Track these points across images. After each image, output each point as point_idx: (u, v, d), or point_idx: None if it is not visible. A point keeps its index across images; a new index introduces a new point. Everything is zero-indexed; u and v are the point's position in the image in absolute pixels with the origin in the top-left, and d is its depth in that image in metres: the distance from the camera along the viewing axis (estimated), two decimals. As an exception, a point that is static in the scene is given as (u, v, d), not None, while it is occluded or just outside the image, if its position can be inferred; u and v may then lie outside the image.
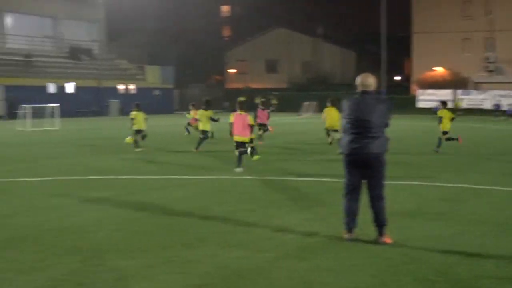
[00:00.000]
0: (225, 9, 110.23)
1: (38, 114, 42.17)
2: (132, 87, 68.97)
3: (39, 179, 15.49)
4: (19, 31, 67.03)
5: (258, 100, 29.40)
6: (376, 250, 8.19)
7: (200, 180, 15.27)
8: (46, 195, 12.87)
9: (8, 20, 67.40)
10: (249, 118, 17.61)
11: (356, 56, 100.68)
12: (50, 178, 15.60)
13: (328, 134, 24.97)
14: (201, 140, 23.35)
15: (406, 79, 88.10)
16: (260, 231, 9.37)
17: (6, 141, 29.13)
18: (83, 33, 73.39)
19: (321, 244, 8.54)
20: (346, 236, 8.79)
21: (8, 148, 24.89)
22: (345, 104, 8.84)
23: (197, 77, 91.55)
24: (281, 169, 17.67)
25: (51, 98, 55.72)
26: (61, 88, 61.85)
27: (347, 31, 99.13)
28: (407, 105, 68.83)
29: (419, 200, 12.29)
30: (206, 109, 23.68)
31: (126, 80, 69.24)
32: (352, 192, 8.75)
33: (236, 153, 17.52)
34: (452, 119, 22.84)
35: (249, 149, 17.57)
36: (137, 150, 23.55)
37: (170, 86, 74.58)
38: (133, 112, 24.55)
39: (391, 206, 10.59)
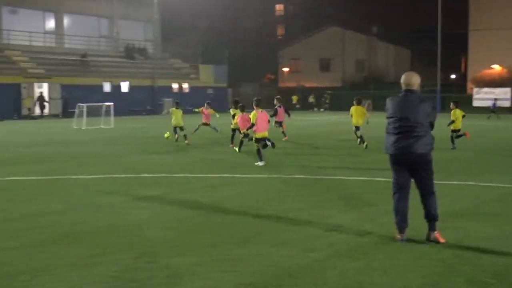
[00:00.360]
0: (279, 8, 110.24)
1: (93, 112, 42.80)
2: (185, 86, 69.08)
3: (92, 176, 15.71)
4: (76, 31, 68.19)
5: (275, 100, 29.55)
6: (428, 251, 8.06)
7: (251, 179, 15.27)
8: (99, 193, 13.02)
9: (66, 20, 68.63)
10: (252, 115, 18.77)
11: (411, 54, 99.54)
12: (103, 176, 15.79)
13: (356, 134, 25.47)
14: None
15: (462, 77, 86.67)
16: (311, 230, 9.32)
17: (62, 139, 29.64)
18: (138, 32, 74.27)
19: (372, 244, 8.45)
20: (398, 236, 8.68)
21: (64, 146, 25.33)
22: (388, 103, 8.75)
23: (251, 76, 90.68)
24: (329, 167, 17.58)
25: (107, 97, 56.65)
26: (116, 87, 62.54)
27: (401, 29, 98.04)
28: (463, 104, 67.46)
29: (472, 201, 12.07)
30: (235, 109, 24.83)
31: (179, 79, 69.35)
32: (400, 191, 8.64)
33: (258, 147, 18.54)
34: (463, 117, 23.95)
35: (269, 143, 18.59)
36: (186, 142, 25.63)
37: (224, 84, 74.03)
38: (172, 109, 27.05)
39: (444, 206, 10.43)
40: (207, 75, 72.71)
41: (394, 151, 8.57)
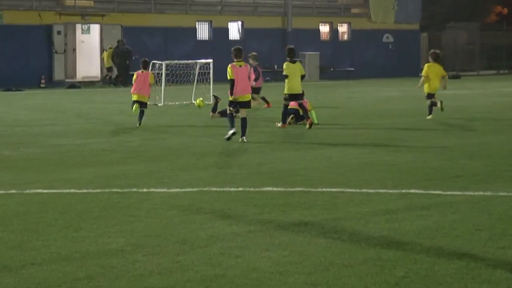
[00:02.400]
0: None
1: (179, 76, 27.79)
2: (343, 28, 46.35)
3: (181, 190, 10.76)
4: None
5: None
6: None
7: (457, 199, 9.72)
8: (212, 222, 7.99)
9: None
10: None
11: None
12: (203, 189, 10.80)
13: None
14: None
15: None
16: None
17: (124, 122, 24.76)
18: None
19: None
20: None
21: (130, 134, 20.49)
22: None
23: (463, 11, 55.98)
24: None
25: (203, 47, 39.34)
26: (219, 31, 41.77)
27: None
28: None
29: None
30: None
31: (332, 16, 45.84)
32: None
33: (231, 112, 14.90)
34: None
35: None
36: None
37: (414, 26, 48.22)
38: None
39: None
40: (383, 10, 46.82)
41: None
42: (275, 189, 9.96)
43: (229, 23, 42.15)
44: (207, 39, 41.46)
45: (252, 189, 9.96)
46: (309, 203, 9.02)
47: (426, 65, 19.89)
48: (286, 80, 17.56)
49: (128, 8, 38.94)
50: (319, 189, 9.89)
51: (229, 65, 14.93)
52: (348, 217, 8.27)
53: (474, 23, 52.78)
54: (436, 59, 19.72)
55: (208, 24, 41.62)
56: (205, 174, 11.24)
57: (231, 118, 14.92)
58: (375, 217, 8.24)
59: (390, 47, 47.33)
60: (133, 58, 34.83)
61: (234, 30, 42.65)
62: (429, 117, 19.25)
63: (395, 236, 7.42)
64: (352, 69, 44.41)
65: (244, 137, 14.86)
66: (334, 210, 8.68)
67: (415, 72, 45.09)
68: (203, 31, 41.55)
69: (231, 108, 14.99)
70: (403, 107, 23.48)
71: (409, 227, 7.79)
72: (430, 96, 19.43)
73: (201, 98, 21.62)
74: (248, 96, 15.23)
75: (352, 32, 46.25)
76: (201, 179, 10.72)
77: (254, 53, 22.73)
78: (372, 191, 9.76)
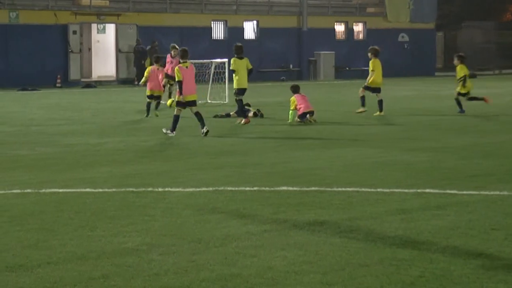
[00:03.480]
0: None
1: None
2: (358, 27, 46.23)
3: (196, 189, 10.77)
4: None
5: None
6: None
7: (473, 199, 9.64)
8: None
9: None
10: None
11: None
12: (221, 188, 10.80)
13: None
14: None
15: None
16: None
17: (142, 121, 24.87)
18: None
19: None
20: None
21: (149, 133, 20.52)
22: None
23: (479, 10, 55.90)
24: None
25: (217, 47, 38.78)
26: (234, 31, 41.41)
27: None
28: None
29: None
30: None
31: (347, 16, 45.79)
32: None
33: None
34: None
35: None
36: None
37: (429, 25, 48.11)
38: None
39: None
40: (399, 9, 46.91)
41: None
42: (290, 188, 9.95)
43: (244, 23, 42.25)
44: (222, 38, 41.36)
45: (267, 188, 9.96)
46: (324, 203, 9.00)
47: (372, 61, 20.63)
48: (234, 75, 18.48)
49: (144, 8, 39.12)
50: (334, 189, 9.86)
51: (177, 67, 15.92)
52: (363, 217, 8.25)
53: (490, 22, 52.59)
54: (377, 55, 20.56)
55: (223, 24, 41.71)
56: (220, 173, 11.24)
57: (176, 120, 15.67)
58: (390, 217, 8.22)
59: (406, 46, 47.13)
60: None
61: (250, 30, 42.67)
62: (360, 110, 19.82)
63: (410, 236, 7.40)
64: (367, 68, 44.02)
65: (205, 128, 15.54)
66: (350, 209, 8.66)
67: (430, 72, 45.02)
68: (218, 31, 41.63)
69: (180, 108, 15.77)
70: (418, 106, 23.41)
71: (425, 226, 7.76)
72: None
73: (172, 99, 21.76)
74: (195, 96, 15.98)
75: (368, 31, 46.11)
76: (216, 179, 10.72)
77: (173, 44, 23.59)
78: (387, 190, 9.73)
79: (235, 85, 18.41)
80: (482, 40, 51.56)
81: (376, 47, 21.43)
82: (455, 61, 20.88)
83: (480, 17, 53.61)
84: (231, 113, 19.67)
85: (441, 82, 38.81)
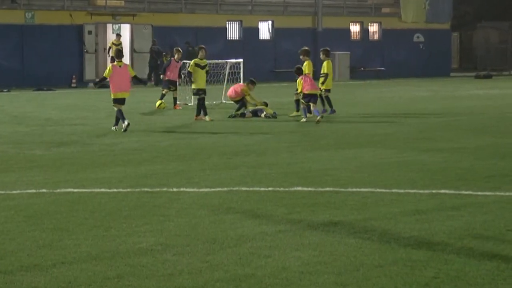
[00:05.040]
0: None
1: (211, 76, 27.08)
2: (373, 28, 45.63)
3: (209, 190, 10.77)
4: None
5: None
6: None
7: (488, 200, 9.61)
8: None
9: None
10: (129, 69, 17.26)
11: None
12: (232, 189, 10.80)
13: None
14: None
15: None
16: None
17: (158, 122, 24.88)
18: None
19: None
20: None
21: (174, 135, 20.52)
22: None
23: (495, 10, 54.15)
24: None
25: (233, 47, 38.94)
26: (250, 31, 41.13)
27: None
28: None
29: None
30: None
31: (362, 16, 45.27)
32: None
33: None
34: None
35: None
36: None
37: (445, 26, 47.15)
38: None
39: None
40: (414, 10, 45.95)
41: None
42: (304, 189, 9.93)
43: (259, 23, 41.81)
44: (237, 38, 41.08)
45: (281, 189, 9.95)
46: (338, 203, 8.98)
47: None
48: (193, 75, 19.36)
49: (159, 8, 39.03)
50: (349, 189, 9.84)
51: (110, 64, 17.12)
52: (378, 217, 8.22)
53: (505, 22, 51.99)
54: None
55: (238, 24, 41.28)
56: (235, 173, 11.24)
57: (120, 114, 16.52)
58: (405, 217, 8.18)
59: (421, 47, 46.79)
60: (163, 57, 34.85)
61: (265, 30, 42.27)
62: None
63: (425, 237, 7.36)
64: (382, 68, 43.89)
65: (125, 123, 16.30)
66: (364, 210, 8.63)
67: (446, 72, 44.74)
68: (233, 31, 41.24)
69: (117, 104, 16.65)
70: (434, 107, 23.28)
71: (440, 227, 7.72)
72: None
73: (162, 100, 22.69)
74: (125, 94, 16.86)
75: (383, 31, 45.62)
76: (231, 179, 10.72)
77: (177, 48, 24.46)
78: (402, 191, 9.69)
79: (193, 86, 19.33)
80: (498, 40, 51.24)
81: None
82: (322, 56, 20.85)
83: (496, 18, 52.71)
84: (246, 113, 19.74)
85: (457, 82, 38.63)
